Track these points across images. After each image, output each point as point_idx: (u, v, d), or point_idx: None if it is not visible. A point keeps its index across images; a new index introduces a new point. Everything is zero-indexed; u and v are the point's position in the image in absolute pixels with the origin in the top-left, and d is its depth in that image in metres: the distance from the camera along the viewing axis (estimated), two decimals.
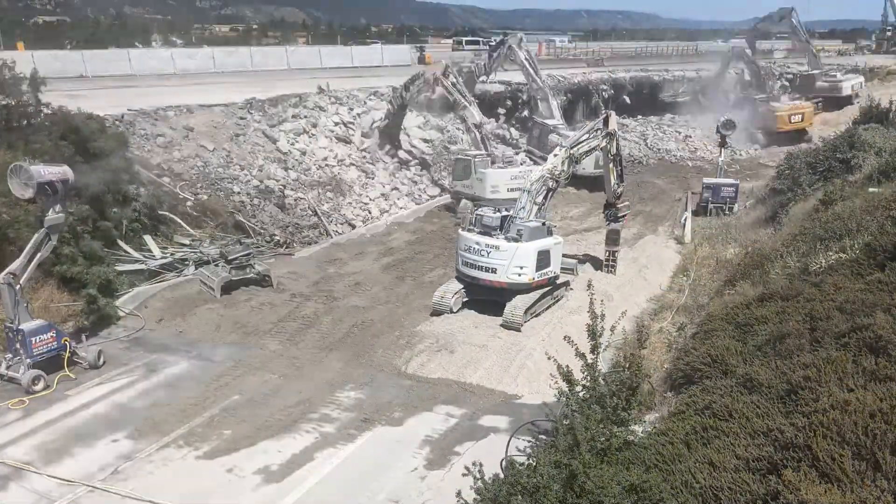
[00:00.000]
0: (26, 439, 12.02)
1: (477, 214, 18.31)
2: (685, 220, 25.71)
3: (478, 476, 7.01)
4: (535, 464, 7.16)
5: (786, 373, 8.22)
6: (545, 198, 18.29)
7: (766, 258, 15.69)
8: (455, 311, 17.53)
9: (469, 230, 17.88)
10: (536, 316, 17.28)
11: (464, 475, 7.07)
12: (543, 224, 17.82)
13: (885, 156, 21.10)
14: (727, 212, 27.78)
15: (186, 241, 20.84)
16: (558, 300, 18.38)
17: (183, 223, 21.53)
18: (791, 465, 6.21)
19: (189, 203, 22.50)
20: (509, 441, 10.06)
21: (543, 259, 17.24)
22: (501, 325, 16.67)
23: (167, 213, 21.47)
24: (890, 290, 9.77)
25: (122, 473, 11.10)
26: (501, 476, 7.10)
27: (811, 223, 16.33)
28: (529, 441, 7.79)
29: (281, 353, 15.78)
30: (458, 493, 6.81)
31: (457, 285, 17.89)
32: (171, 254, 20.00)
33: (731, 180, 29.70)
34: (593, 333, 8.35)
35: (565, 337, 8.99)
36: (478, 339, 16.19)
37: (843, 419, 6.48)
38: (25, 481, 10.79)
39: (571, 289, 18.76)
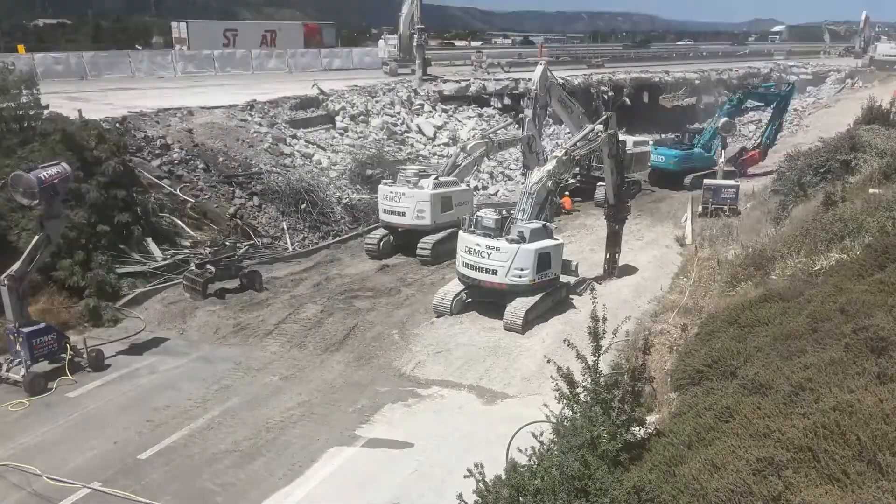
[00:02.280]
0: (25, 440, 12.04)
1: (477, 216, 18.28)
2: (686, 221, 25.68)
3: (479, 478, 7.00)
4: (536, 466, 7.15)
5: (787, 374, 8.19)
6: (545, 199, 18.26)
7: (767, 259, 15.65)
8: (456, 312, 17.52)
9: (470, 232, 17.87)
10: (537, 317, 17.25)
11: (465, 477, 7.06)
12: (544, 226, 17.80)
13: (886, 157, 21.03)
14: (728, 213, 27.73)
15: (187, 244, 20.84)
16: (559, 302, 18.36)
17: (183, 225, 21.53)
18: (793, 466, 6.19)
19: (189, 205, 22.49)
20: (510, 443, 10.02)
21: (544, 261, 17.22)
22: (502, 327, 16.66)
23: (167, 216, 21.46)
24: (891, 291, 9.74)
25: (123, 474, 11.10)
26: (503, 478, 7.09)
27: (812, 224, 16.29)
28: (531, 443, 7.78)
29: (281, 356, 15.78)
30: (460, 496, 6.79)
31: (458, 287, 17.88)
32: (172, 256, 20.01)
33: (731, 181, 29.65)
34: (594, 335, 8.31)
35: (565, 340, 8.96)
36: (478, 340, 16.18)
37: (844, 420, 6.47)
38: (25, 482, 10.79)
39: (579, 294, 18.72)
